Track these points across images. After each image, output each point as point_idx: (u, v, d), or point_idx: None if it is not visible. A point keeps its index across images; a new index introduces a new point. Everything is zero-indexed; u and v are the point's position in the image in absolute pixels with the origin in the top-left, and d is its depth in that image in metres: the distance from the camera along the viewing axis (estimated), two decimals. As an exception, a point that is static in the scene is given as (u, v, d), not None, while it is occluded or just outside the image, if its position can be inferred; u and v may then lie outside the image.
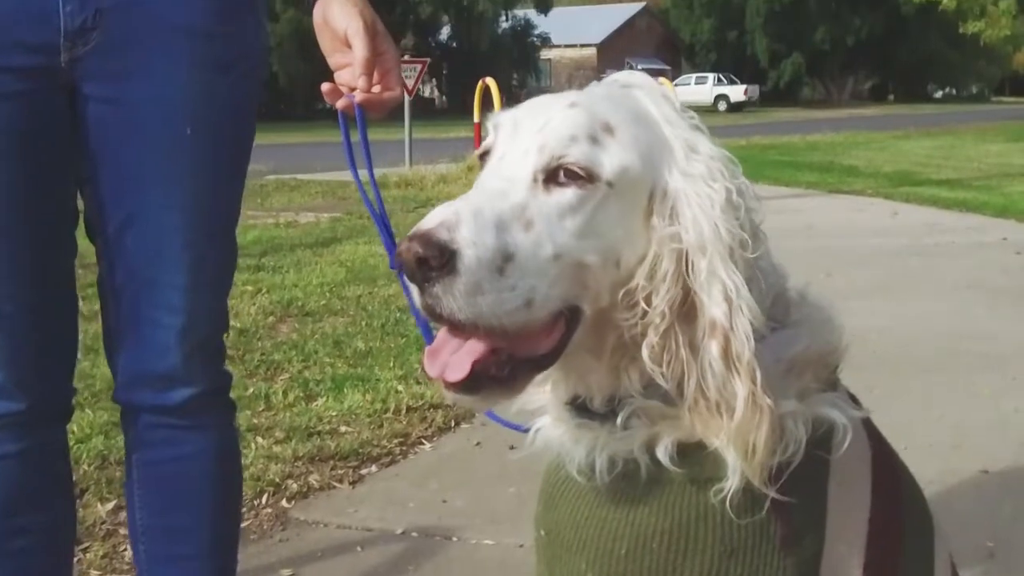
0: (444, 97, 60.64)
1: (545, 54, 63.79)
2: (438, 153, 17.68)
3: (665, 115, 1.47)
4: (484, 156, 1.49)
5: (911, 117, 40.65)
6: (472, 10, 54.70)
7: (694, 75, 61.56)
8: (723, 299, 1.35)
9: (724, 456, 1.41)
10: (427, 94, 58.89)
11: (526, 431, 1.63)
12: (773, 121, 40.87)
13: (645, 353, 1.38)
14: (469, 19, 55.57)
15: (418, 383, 4.82)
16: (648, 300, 1.38)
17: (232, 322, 5.93)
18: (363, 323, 6.19)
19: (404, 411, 4.51)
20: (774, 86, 68.80)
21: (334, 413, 4.47)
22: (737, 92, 56.73)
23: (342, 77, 2.01)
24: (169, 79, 1.96)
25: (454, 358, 1.34)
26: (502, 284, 1.29)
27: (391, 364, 5.22)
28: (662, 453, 1.44)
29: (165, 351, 2.06)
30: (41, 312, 2.02)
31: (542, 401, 1.58)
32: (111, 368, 2.16)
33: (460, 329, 1.34)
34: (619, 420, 1.45)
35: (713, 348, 1.35)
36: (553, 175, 1.37)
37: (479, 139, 1.68)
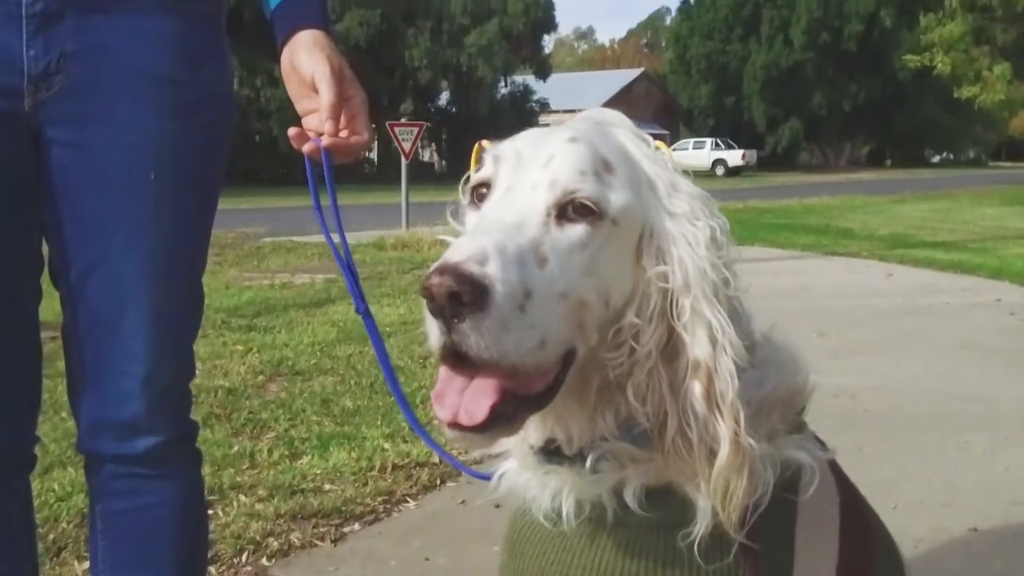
0: (444, 161, 60.78)
1: (544, 119, 64.03)
2: (435, 215, 17.70)
3: (645, 154, 1.47)
4: (478, 188, 1.46)
5: (908, 181, 40.82)
6: (471, 76, 55.01)
7: (692, 140, 61.83)
8: (707, 339, 1.33)
9: (693, 500, 1.38)
10: (427, 158, 59.17)
11: (488, 478, 1.60)
12: (770, 185, 41.04)
13: (630, 392, 1.36)
14: (468, 84, 55.89)
15: (405, 441, 4.77)
16: (637, 338, 1.36)
17: (221, 381, 6.00)
18: (352, 382, 6.14)
19: (389, 469, 4.45)
20: (772, 151, 69.11)
21: (318, 471, 4.40)
22: (735, 157, 56.90)
23: (309, 122, 2.00)
24: (133, 124, 1.94)
25: (468, 401, 1.30)
26: (523, 322, 1.26)
27: (378, 422, 5.16)
28: (630, 497, 1.42)
29: (128, 399, 2.02)
30: (3, 358, 1.99)
31: (506, 445, 1.55)
32: (75, 416, 2.12)
33: (477, 368, 1.28)
34: (588, 463, 1.42)
35: (696, 388, 1.34)
36: (563, 210, 1.36)
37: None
